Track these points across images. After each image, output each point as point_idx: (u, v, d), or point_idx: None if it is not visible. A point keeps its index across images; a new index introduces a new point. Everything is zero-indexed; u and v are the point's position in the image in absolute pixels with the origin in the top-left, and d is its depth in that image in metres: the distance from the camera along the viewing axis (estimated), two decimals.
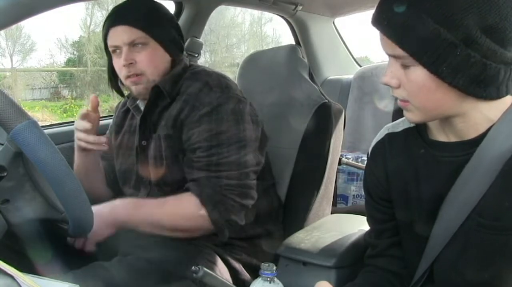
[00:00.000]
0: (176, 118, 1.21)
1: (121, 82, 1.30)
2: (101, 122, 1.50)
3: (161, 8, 1.29)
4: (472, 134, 0.80)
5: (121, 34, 1.21)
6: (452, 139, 0.83)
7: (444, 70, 0.72)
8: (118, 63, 1.23)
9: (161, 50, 1.24)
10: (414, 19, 0.72)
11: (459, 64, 0.72)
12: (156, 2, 1.29)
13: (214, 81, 1.23)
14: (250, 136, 1.20)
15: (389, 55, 0.78)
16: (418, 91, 0.77)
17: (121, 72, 1.24)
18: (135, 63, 1.21)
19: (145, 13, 1.23)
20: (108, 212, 1.14)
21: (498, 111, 0.79)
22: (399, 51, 0.75)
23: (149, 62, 1.22)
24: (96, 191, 1.34)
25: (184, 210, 1.16)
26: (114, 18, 1.23)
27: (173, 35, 1.27)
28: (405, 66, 0.76)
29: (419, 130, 0.89)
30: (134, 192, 1.32)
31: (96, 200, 1.27)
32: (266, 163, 1.36)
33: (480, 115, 0.79)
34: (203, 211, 1.14)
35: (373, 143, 0.97)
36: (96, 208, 1.01)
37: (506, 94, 0.77)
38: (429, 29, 0.71)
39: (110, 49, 1.25)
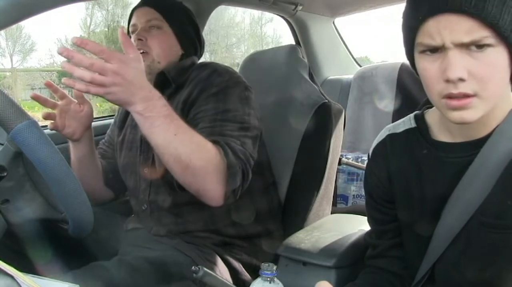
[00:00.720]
0: (185, 102, 1.22)
1: None
2: (101, 122, 1.50)
3: (184, 7, 1.39)
4: (481, 133, 0.80)
5: (141, 15, 1.29)
6: (458, 139, 0.82)
7: None
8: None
9: (173, 39, 1.30)
10: None
11: None
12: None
13: (223, 68, 1.26)
14: (253, 123, 1.19)
15: (456, 45, 0.70)
16: (494, 75, 0.71)
17: None
18: (145, 41, 1.26)
19: (168, 1, 1.32)
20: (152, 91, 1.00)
21: (505, 111, 0.79)
22: (482, 33, 0.68)
23: (158, 43, 1.27)
24: (90, 186, 1.30)
25: (206, 146, 1.05)
26: (141, 1, 1.32)
27: (189, 32, 1.33)
28: (477, 52, 0.69)
29: (421, 130, 0.88)
30: (136, 185, 1.31)
31: (90, 196, 1.27)
32: (266, 161, 1.37)
33: (501, 108, 0.78)
34: (220, 155, 1.06)
35: (374, 144, 0.97)
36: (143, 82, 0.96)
37: None
38: None
39: (130, 29, 1.31)
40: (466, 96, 0.71)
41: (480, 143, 0.79)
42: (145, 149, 1.28)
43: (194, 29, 1.36)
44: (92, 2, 11.08)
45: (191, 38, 1.34)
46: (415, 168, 0.87)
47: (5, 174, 0.85)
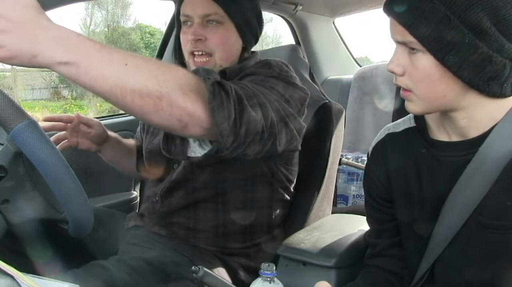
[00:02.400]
0: None
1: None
2: (102, 122, 1.50)
3: None
4: (474, 132, 0.80)
5: (197, 4, 1.10)
6: (454, 138, 0.83)
7: (451, 58, 0.72)
8: (186, 36, 1.12)
9: (235, 33, 1.13)
10: (427, 4, 0.72)
11: (465, 53, 0.72)
12: None
13: (275, 62, 1.12)
14: (295, 99, 1.05)
15: (398, 43, 0.78)
16: (422, 79, 0.77)
17: (186, 46, 1.13)
18: (204, 40, 1.10)
19: None
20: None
21: (502, 110, 0.79)
22: (409, 37, 0.75)
23: (221, 43, 1.10)
24: (133, 175, 1.44)
25: (168, 65, 0.85)
26: None
27: (250, 20, 1.15)
28: (412, 54, 0.76)
29: (420, 129, 0.88)
30: (157, 176, 1.27)
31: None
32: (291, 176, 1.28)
33: (483, 112, 0.78)
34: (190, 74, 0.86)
35: (373, 143, 0.97)
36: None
37: (511, 93, 0.77)
38: (440, 16, 0.71)
39: (182, 19, 1.14)
40: (405, 89, 0.80)
41: (477, 142, 0.79)
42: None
43: (256, 14, 1.17)
44: (92, 2, 11.09)
45: (251, 27, 1.15)
46: (414, 167, 0.87)
47: (5, 174, 0.85)
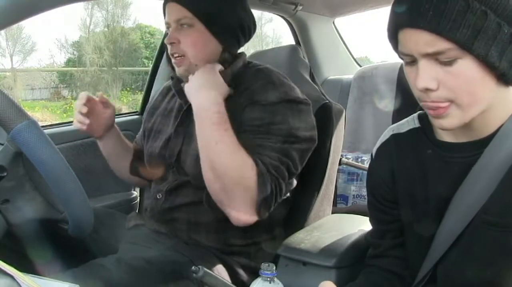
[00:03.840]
0: (235, 110, 1.15)
1: None
2: None
3: None
4: (484, 133, 0.80)
5: (171, 11, 1.21)
6: (462, 139, 0.82)
7: (493, 53, 0.70)
8: (167, 41, 1.23)
9: (208, 35, 1.20)
10: (459, 4, 0.69)
11: (504, 45, 0.70)
12: None
13: (279, 80, 1.21)
14: (303, 135, 1.17)
15: (423, 55, 0.72)
16: (465, 85, 0.72)
17: (168, 50, 1.24)
18: (178, 43, 1.20)
19: None
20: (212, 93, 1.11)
21: (509, 108, 0.79)
22: (443, 45, 0.70)
23: (192, 44, 1.19)
24: (125, 177, 1.45)
25: (246, 164, 1.07)
26: None
27: (229, 23, 1.21)
28: (446, 62, 0.71)
29: (425, 130, 0.88)
30: (158, 178, 1.30)
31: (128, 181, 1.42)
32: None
33: (499, 111, 0.78)
34: (256, 176, 1.08)
35: (377, 144, 0.96)
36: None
37: None
38: (477, 13, 0.69)
39: (165, 26, 1.26)
40: (439, 104, 0.74)
41: (484, 143, 0.79)
42: (174, 144, 1.25)
43: (238, 17, 1.22)
44: (92, 2, 11.09)
45: (230, 29, 1.22)
46: (419, 168, 0.87)
47: (5, 174, 0.85)
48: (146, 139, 1.37)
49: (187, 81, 1.19)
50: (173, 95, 1.35)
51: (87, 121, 1.27)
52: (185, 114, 1.25)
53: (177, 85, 1.28)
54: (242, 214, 1.10)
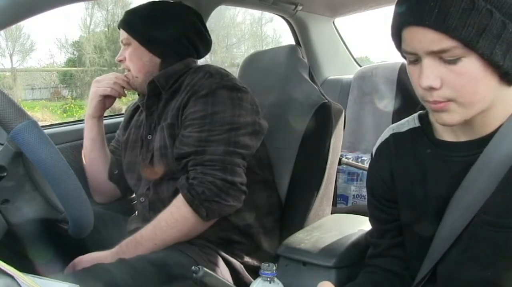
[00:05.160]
0: (179, 107, 1.26)
1: None
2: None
3: (156, 12, 1.34)
4: (484, 132, 0.80)
5: (121, 34, 1.36)
6: (462, 138, 0.82)
7: (497, 52, 0.70)
8: None
9: (142, 50, 1.33)
10: (467, 2, 0.69)
11: (508, 44, 0.70)
12: (158, 5, 1.36)
13: (215, 70, 1.29)
14: (245, 121, 1.23)
15: (427, 54, 0.73)
16: (468, 84, 0.72)
17: None
18: (124, 60, 1.36)
19: (133, 16, 1.35)
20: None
21: (509, 109, 0.78)
22: (448, 43, 0.70)
23: (130, 60, 1.34)
24: (98, 174, 1.44)
25: (178, 220, 1.19)
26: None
27: (159, 38, 1.31)
28: (450, 61, 0.71)
29: (425, 130, 0.88)
30: (136, 182, 1.37)
31: (97, 190, 1.44)
32: (266, 159, 1.38)
33: (500, 110, 0.78)
34: (189, 210, 1.18)
35: (377, 144, 0.96)
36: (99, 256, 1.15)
37: None
38: (482, 12, 0.69)
39: None
40: (443, 100, 0.74)
41: (483, 142, 0.79)
42: (145, 151, 1.33)
43: (175, 32, 1.32)
44: (92, 2, 11.09)
45: (164, 44, 1.32)
46: (419, 168, 0.87)
47: (5, 174, 0.85)
48: (123, 151, 1.43)
49: (140, 91, 1.38)
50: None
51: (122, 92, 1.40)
52: (148, 121, 1.35)
53: (142, 99, 1.38)
54: (200, 226, 1.20)
